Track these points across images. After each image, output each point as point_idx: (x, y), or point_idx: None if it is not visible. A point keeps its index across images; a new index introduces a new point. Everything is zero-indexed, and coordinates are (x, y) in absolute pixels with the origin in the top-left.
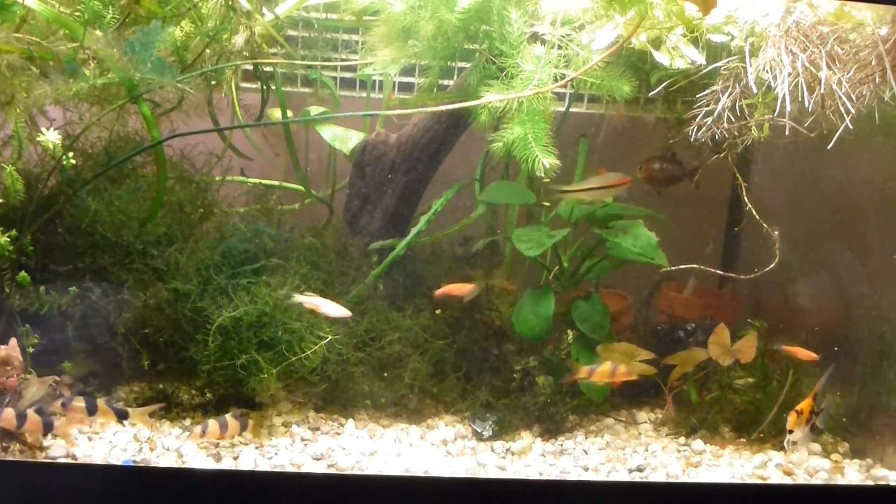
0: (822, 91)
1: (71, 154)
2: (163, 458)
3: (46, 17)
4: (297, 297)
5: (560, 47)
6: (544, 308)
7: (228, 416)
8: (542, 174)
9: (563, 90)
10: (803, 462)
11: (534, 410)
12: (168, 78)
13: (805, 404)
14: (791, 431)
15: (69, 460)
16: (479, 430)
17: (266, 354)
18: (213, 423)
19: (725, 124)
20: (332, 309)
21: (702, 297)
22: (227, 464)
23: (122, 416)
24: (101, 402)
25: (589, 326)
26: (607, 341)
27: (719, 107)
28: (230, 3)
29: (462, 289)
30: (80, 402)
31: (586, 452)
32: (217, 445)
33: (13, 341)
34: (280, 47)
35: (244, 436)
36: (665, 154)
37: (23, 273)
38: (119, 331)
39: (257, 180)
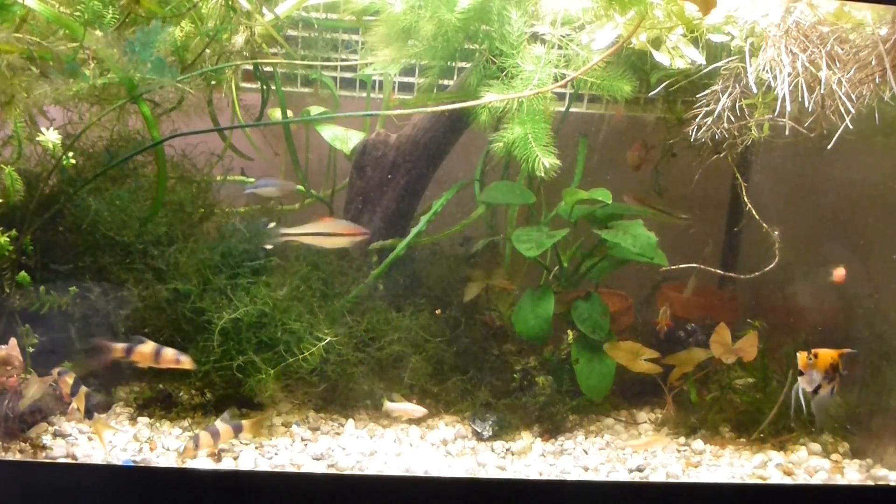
0: (822, 91)
1: (71, 154)
2: (163, 458)
3: (46, 17)
4: (388, 405)
5: (560, 47)
6: (544, 308)
7: (218, 423)
8: (542, 174)
9: (563, 90)
10: (803, 462)
11: (534, 410)
12: (168, 78)
13: (827, 353)
14: (801, 373)
15: (69, 460)
16: (480, 430)
17: (265, 355)
18: (203, 435)
19: (725, 124)
20: (417, 411)
21: (702, 297)
22: (227, 464)
23: (88, 415)
24: (84, 390)
25: (589, 326)
26: (607, 341)
27: (719, 107)
28: (230, 3)
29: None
30: (70, 379)
31: (586, 452)
32: (214, 455)
33: (13, 341)
34: (280, 47)
35: (244, 436)
36: (646, 141)
37: (23, 273)
38: (119, 331)
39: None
